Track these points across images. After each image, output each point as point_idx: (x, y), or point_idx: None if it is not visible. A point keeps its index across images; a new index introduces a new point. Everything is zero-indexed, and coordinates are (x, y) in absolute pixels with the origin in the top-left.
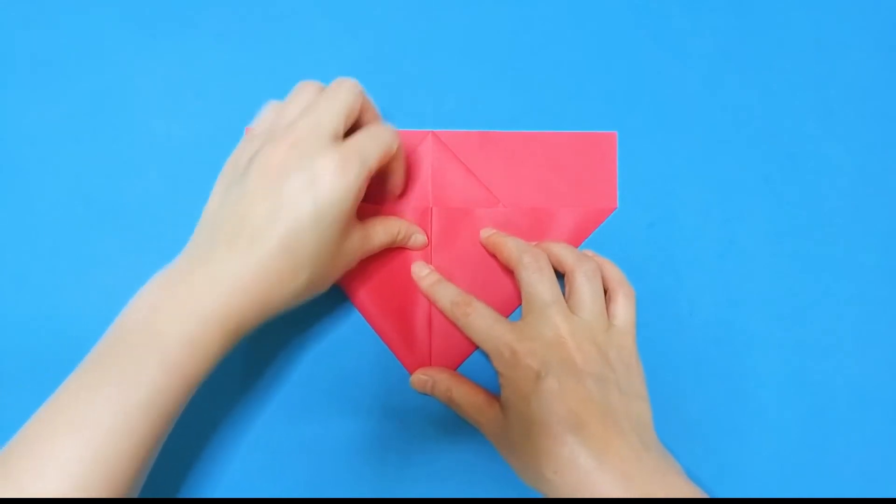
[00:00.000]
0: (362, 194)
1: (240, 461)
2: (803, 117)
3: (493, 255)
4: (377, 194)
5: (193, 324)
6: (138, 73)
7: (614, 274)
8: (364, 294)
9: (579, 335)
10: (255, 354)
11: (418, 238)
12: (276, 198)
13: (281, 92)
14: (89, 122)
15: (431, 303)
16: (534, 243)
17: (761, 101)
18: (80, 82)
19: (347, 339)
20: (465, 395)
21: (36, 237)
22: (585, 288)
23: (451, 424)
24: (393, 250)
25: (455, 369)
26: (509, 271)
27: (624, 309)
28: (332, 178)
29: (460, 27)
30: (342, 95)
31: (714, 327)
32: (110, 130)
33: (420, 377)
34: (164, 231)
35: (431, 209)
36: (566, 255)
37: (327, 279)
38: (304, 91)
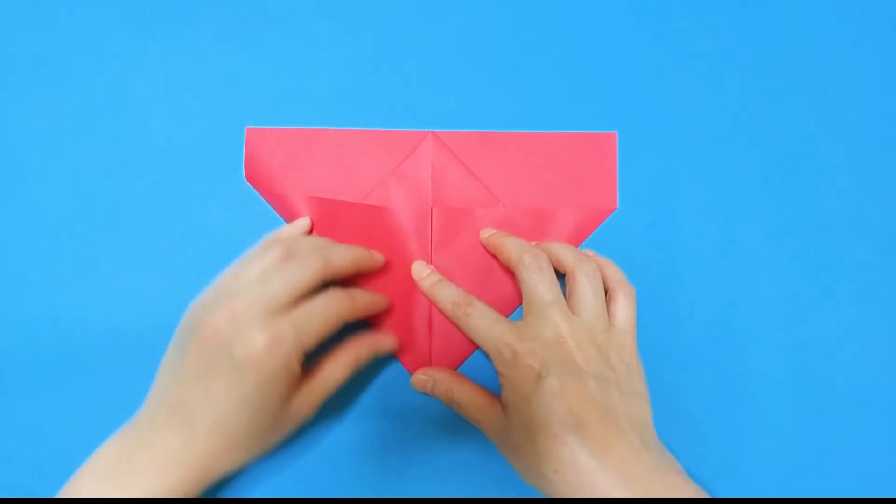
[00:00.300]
0: (296, 371)
1: None
2: (803, 117)
3: (494, 256)
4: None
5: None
6: (138, 73)
7: (615, 274)
8: None
9: (580, 335)
10: None
11: (385, 343)
12: (206, 384)
13: (281, 91)
14: (89, 122)
15: (432, 303)
16: (534, 243)
17: (761, 101)
18: (81, 82)
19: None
20: (466, 395)
21: (36, 237)
22: (586, 288)
23: (451, 424)
24: (392, 251)
25: (455, 369)
26: (510, 271)
27: (624, 309)
28: (259, 366)
29: (460, 27)
30: (297, 274)
31: (714, 327)
32: (110, 130)
33: (420, 377)
34: (164, 231)
35: (431, 209)
36: (567, 255)
37: (271, 446)
38: (268, 255)
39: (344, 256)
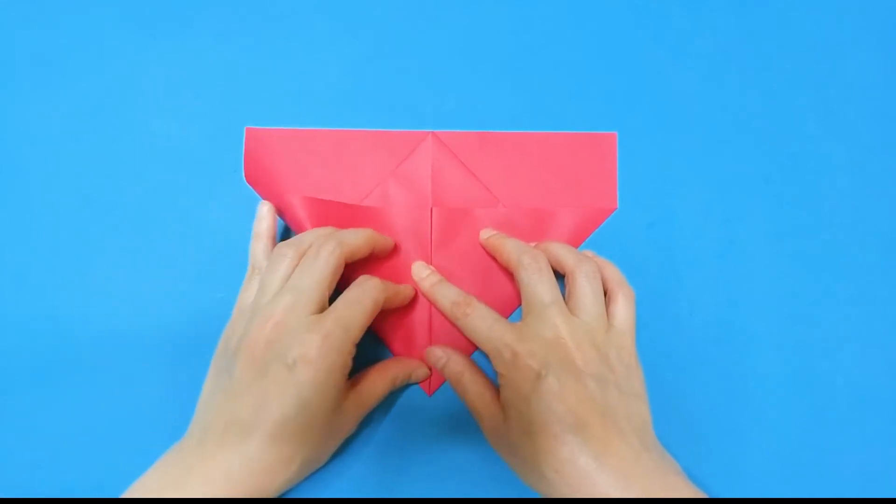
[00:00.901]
0: (349, 366)
1: None
2: (803, 117)
3: (493, 256)
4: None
5: None
6: (138, 73)
7: (614, 275)
8: None
9: (579, 336)
10: None
11: (419, 373)
12: (261, 391)
13: (281, 91)
14: (89, 121)
15: (431, 304)
16: (533, 244)
17: (761, 101)
18: (81, 82)
19: None
20: (476, 383)
21: (36, 237)
22: (586, 289)
23: (451, 424)
24: (390, 252)
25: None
26: (509, 272)
27: (623, 310)
28: (314, 364)
29: (460, 27)
30: (320, 265)
31: (714, 327)
32: (110, 130)
33: (436, 352)
34: (164, 231)
35: (431, 209)
36: (566, 255)
37: (322, 458)
38: (284, 259)
39: (356, 235)
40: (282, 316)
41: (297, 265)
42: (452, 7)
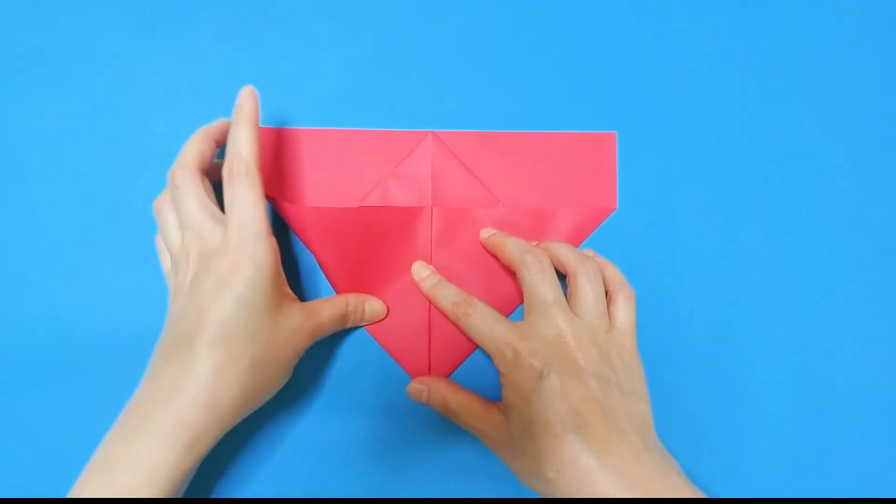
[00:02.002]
0: (279, 266)
1: (240, 461)
2: (803, 117)
3: (494, 256)
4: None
5: (139, 450)
6: (138, 72)
7: (614, 276)
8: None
9: (581, 335)
10: None
11: (374, 307)
12: (197, 305)
13: (281, 91)
14: (89, 121)
15: (431, 304)
16: (534, 243)
17: (761, 101)
18: (81, 82)
19: (347, 340)
20: (461, 403)
21: (36, 237)
22: (587, 289)
23: (451, 424)
24: (392, 251)
25: (454, 370)
26: (510, 271)
27: (624, 310)
28: (238, 261)
29: (460, 27)
30: (182, 192)
31: (714, 327)
32: (110, 130)
33: (416, 386)
34: None
35: (431, 209)
36: (568, 255)
37: (276, 363)
38: (163, 210)
39: (188, 145)
40: (193, 247)
41: (177, 195)
42: (452, 7)
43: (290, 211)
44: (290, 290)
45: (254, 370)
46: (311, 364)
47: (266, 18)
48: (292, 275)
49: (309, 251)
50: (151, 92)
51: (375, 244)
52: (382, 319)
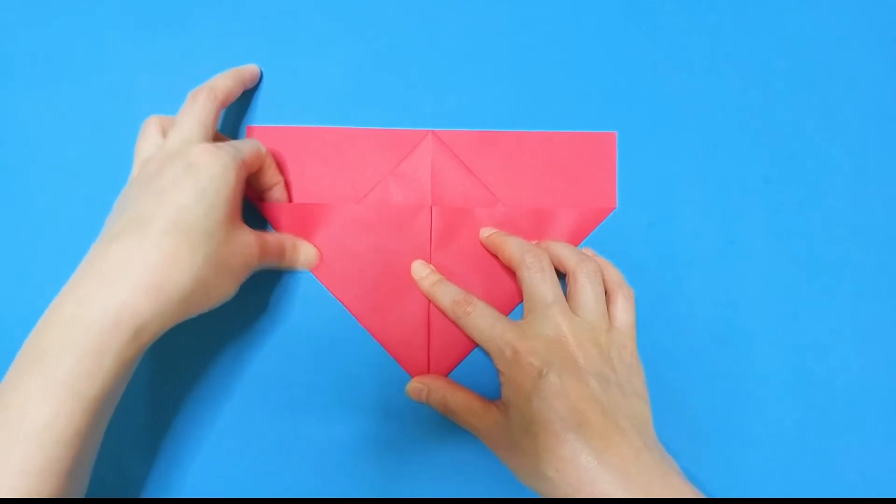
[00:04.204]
0: (242, 185)
1: (240, 461)
2: (803, 117)
3: (493, 255)
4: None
5: (80, 338)
6: (138, 72)
7: (614, 275)
8: (361, 300)
9: (581, 335)
10: (255, 355)
11: (309, 254)
12: (159, 188)
13: (281, 91)
14: (89, 121)
15: (430, 303)
16: (534, 242)
17: (761, 101)
18: (80, 82)
19: (347, 340)
20: (461, 402)
21: (36, 237)
22: (587, 289)
23: (451, 424)
24: (392, 250)
25: (454, 368)
26: (509, 270)
27: (624, 310)
28: (209, 159)
29: (460, 27)
30: (197, 108)
31: (714, 327)
32: (110, 130)
33: (415, 385)
34: None
35: (431, 208)
36: (568, 255)
37: (227, 270)
38: (151, 124)
39: (225, 77)
40: (172, 147)
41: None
42: (452, 7)
43: (290, 209)
44: (240, 209)
45: (206, 267)
46: (312, 364)
47: (266, 18)
48: (289, 275)
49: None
50: (151, 92)
51: (375, 243)
52: (316, 265)
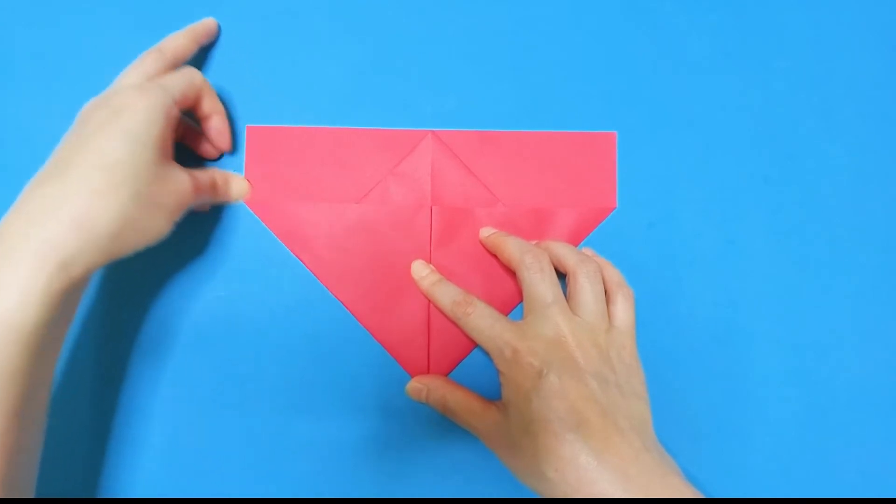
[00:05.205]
0: (172, 123)
1: (240, 461)
2: (803, 117)
3: (493, 255)
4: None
5: (7, 272)
6: None
7: (613, 276)
8: (361, 300)
9: (580, 335)
10: (256, 354)
11: (241, 186)
12: (84, 134)
13: (281, 91)
14: None
15: (430, 303)
16: (534, 242)
17: (761, 101)
18: (80, 82)
19: (347, 339)
20: (461, 401)
21: None
22: (587, 289)
23: (451, 424)
24: (391, 250)
25: (453, 368)
26: (509, 270)
27: (623, 310)
28: (134, 102)
29: (460, 27)
30: (141, 64)
31: (714, 327)
32: None
33: (415, 385)
34: None
35: (431, 208)
36: (568, 255)
37: (158, 207)
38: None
39: (176, 38)
40: (106, 93)
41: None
42: (452, 7)
43: (290, 209)
44: (175, 115)
45: (133, 205)
46: (312, 364)
47: (266, 18)
48: (289, 278)
49: (306, 253)
50: None
51: (375, 243)
52: (244, 197)
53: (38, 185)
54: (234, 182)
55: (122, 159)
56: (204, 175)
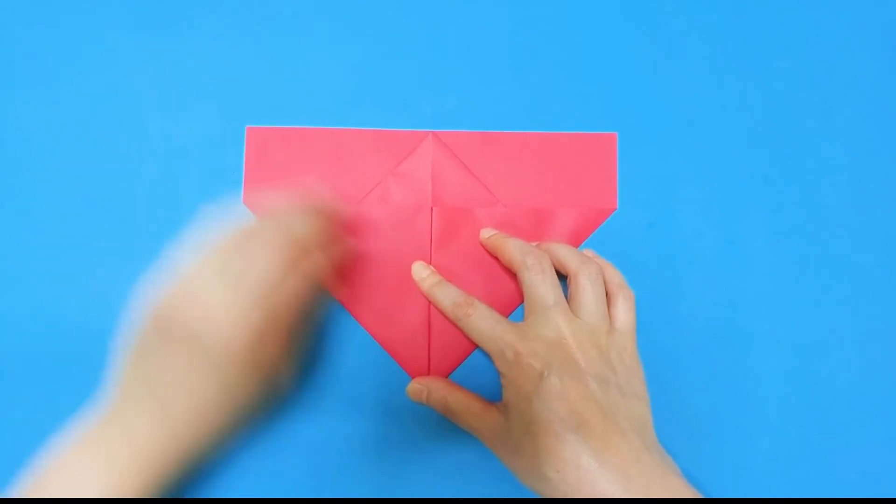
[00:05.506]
0: (280, 363)
1: (240, 460)
2: (803, 117)
3: (494, 256)
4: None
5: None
6: (138, 72)
7: (614, 277)
8: (361, 300)
9: (581, 336)
10: None
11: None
12: (177, 371)
13: (281, 91)
14: (88, 121)
15: (430, 304)
16: (535, 243)
17: (761, 101)
18: (80, 82)
19: (347, 340)
20: (461, 402)
21: (36, 237)
22: (588, 291)
23: (451, 425)
24: (392, 251)
25: (454, 370)
26: (510, 271)
27: (624, 312)
28: (235, 355)
29: (460, 27)
30: (262, 252)
31: (714, 327)
32: (110, 130)
33: (415, 386)
34: (164, 231)
35: (431, 209)
36: (569, 257)
37: (255, 418)
38: (228, 236)
39: (306, 225)
40: (210, 299)
41: (240, 247)
42: (452, 7)
43: None
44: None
45: (231, 429)
46: (312, 364)
47: (266, 18)
48: None
49: None
50: (151, 92)
51: (375, 243)
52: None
53: (137, 416)
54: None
55: (219, 413)
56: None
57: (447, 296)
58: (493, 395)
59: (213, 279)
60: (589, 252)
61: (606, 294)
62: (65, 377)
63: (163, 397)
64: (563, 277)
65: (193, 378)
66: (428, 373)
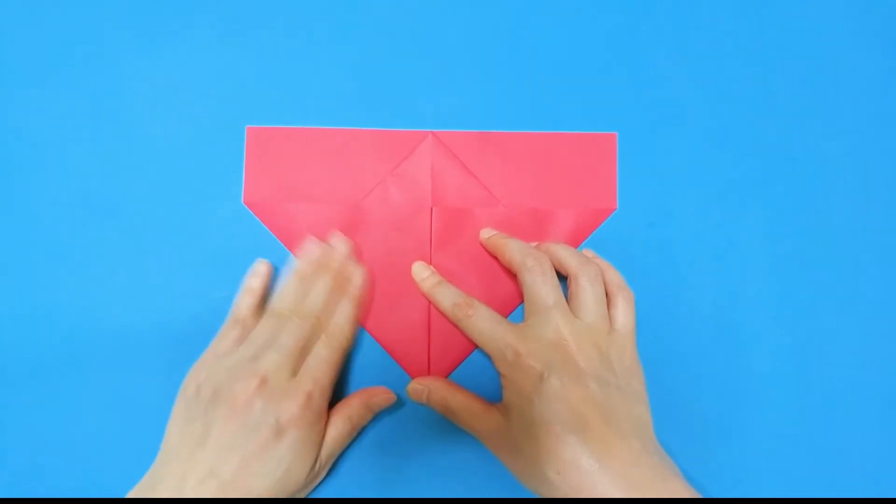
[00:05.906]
0: (325, 424)
1: None
2: (803, 117)
3: (494, 256)
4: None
5: None
6: (138, 73)
7: (614, 278)
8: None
9: (581, 337)
10: None
11: (378, 400)
12: (245, 453)
13: (281, 91)
14: (89, 122)
15: (430, 304)
16: (535, 244)
17: (761, 101)
18: (80, 82)
19: None
20: (461, 403)
21: (36, 237)
22: (588, 292)
23: (451, 425)
24: (392, 252)
25: (454, 370)
26: (509, 272)
27: (624, 313)
28: (298, 428)
29: (460, 27)
30: (294, 329)
31: (714, 327)
32: (110, 130)
33: (416, 386)
34: (164, 231)
35: (431, 209)
36: (569, 257)
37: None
38: (282, 320)
39: (345, 320)
40: (266, 375)
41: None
42: (452, 7)
43: (290, 210)
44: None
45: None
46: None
47: (266, 18)
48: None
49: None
50: (151, 92)
51: (375, 244)
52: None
53: (195, 482)
54: (375, 402)
55: (276, 493)
56: (340, 428)
57: (447, 296)
58: (493, 395)
59: (286, 374)
60: (589, 252)
61: (606, 295)
62: (65, 377)
63: (226, 481)
64: (562, 278)
65: (262, 465)
66: (428, 373)
